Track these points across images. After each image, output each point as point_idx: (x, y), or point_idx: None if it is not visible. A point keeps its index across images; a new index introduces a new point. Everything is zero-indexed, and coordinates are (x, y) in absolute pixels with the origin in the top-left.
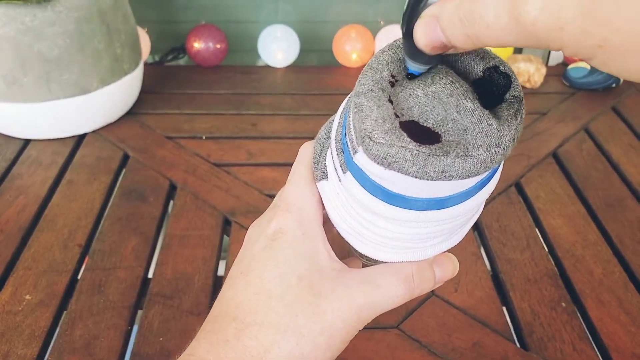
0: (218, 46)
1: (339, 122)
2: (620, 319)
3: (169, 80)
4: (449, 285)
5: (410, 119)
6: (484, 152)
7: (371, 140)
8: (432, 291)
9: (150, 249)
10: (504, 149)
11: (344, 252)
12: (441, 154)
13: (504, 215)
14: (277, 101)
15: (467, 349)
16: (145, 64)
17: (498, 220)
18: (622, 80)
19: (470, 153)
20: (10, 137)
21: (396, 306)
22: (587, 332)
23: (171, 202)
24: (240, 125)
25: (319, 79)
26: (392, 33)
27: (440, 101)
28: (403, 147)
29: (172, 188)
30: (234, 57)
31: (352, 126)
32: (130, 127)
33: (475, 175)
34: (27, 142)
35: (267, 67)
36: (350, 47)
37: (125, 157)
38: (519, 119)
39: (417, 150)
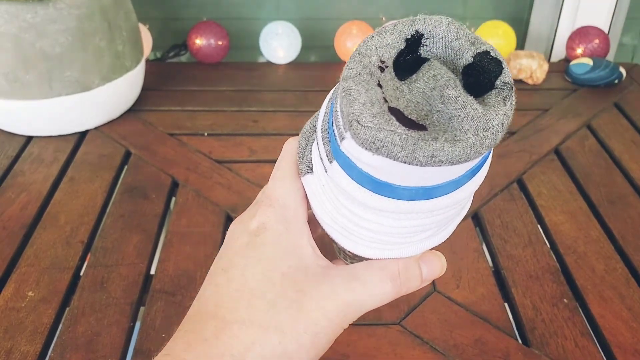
0: (220, 43)
1: (325, 112)
2: (622, 315)
3: (170, 77)
4: (450, 282)
5: (397, 107)
6: (472, 135)
7: (359, 124)
8: (434, 287)
9: (152, 246)
10: (492, 133)
11: (328, 255)
12: (430, 139)
13: (506, 211)
14: (278, 98)
15: (468, 345)
16: (147, 61)
17: (500, 216)
18: (624, 76)
19: (458, 137)
20: (12, 134)
21: (382, 304)
22: (589, 328)
23: (173, 199)
24: (242, 122)
25: (320, 76)
26: None
27: (425, 96)
28: (392, 131)
29: (174, 185)
30: (236, 54)
31: (339, 112)
32: (132, 124)
33: (466, 160)
34: (29, 139)
35: (269, 63)
36: (351, 44)
37: (127, 154)
38: (508, 104)
39: (406, 135)
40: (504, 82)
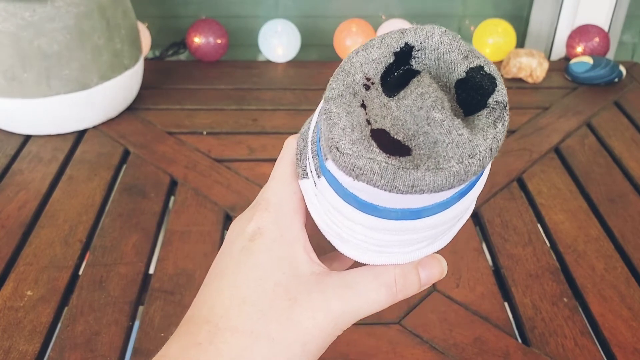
0: (218, 41)
1: (315, 122)
2: (622, 314)
3: (169, 75)
4: (450, 281)
5: (383, 127)
6: (456, 164)
7: (338, 150)
8: (434, 286)
9: (151, 244)
10: (479, 159)
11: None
12: (411, 167)
13: (506, 210)
14: (278, 96)
15: (468, 344)
16: (146, 60)
17: (500, 215)
18: (624, 74)
19: (441, 166)
20: (11, 133)
21: (377, 311)
22: (589, 327)
23: (172, 197)
24: (241, 121)
25: (319, 74)
26: (394, 27)
27: (412, 115)
28: (371, 159)
29: (173, 184)
30: (235, 52)
31: (322, 133)
32: (130, 123)
33: (449, 188)
34: (27, 138)
35: (268, 62)
36: (351, 42)
37: (126, 153)
38: (498, 126)
39: (385, 163)
40: (496, 101)
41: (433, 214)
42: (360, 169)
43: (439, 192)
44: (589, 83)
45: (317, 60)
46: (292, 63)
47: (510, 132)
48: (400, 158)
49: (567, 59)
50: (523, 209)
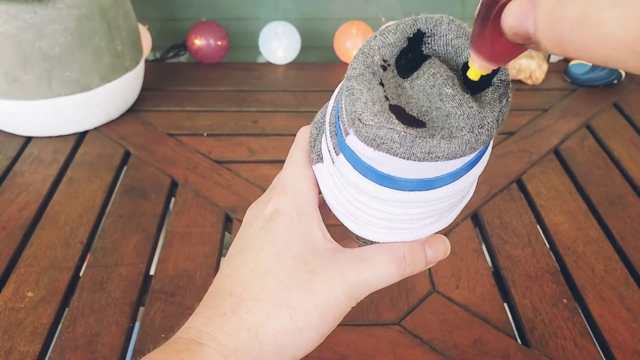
0: (219, 43)
1: (332, 106)
2: (621, 315)
3: (170, 77)
4: (450, 282)
5: (399, 104)
6: (467, 132)
7: (361, 122)
8: (433, 288)
9: (152, 246)
10: (487, 130)
11: (338, 236)
12: (427, 136)
13: (506, 211)
14: (278, 98)
15: (468, 345)
16: (146, 61)
17: (499, 216)
18: (623, 76)
19: (454, 134)
20: (12, 135)
21: (388, 285)
22: (589, 328)
23: (172, 199)
24: (241, 122)
25: (319, 76)
26: None
27: (425, 93)
28: (391, 129)
29: (174, 185)
30: (235, 54)
31: (344, 109)
32: (131, 125)
33: (461, 156)
34: (28, 139)
35: (268, 64)
36: (351, 44)
37: (127, 155)
38: (503, 101)
39: (404, 132)
40: (500, 80)
41: (444, 184)
42: (382, 138)
43: (452, 159)
44: (588, 85)
45: (317, 62)
46: (292, 65)
47: (509, 134)
48: (417, 129)
49: (566, 60)
50: (522, 210)
